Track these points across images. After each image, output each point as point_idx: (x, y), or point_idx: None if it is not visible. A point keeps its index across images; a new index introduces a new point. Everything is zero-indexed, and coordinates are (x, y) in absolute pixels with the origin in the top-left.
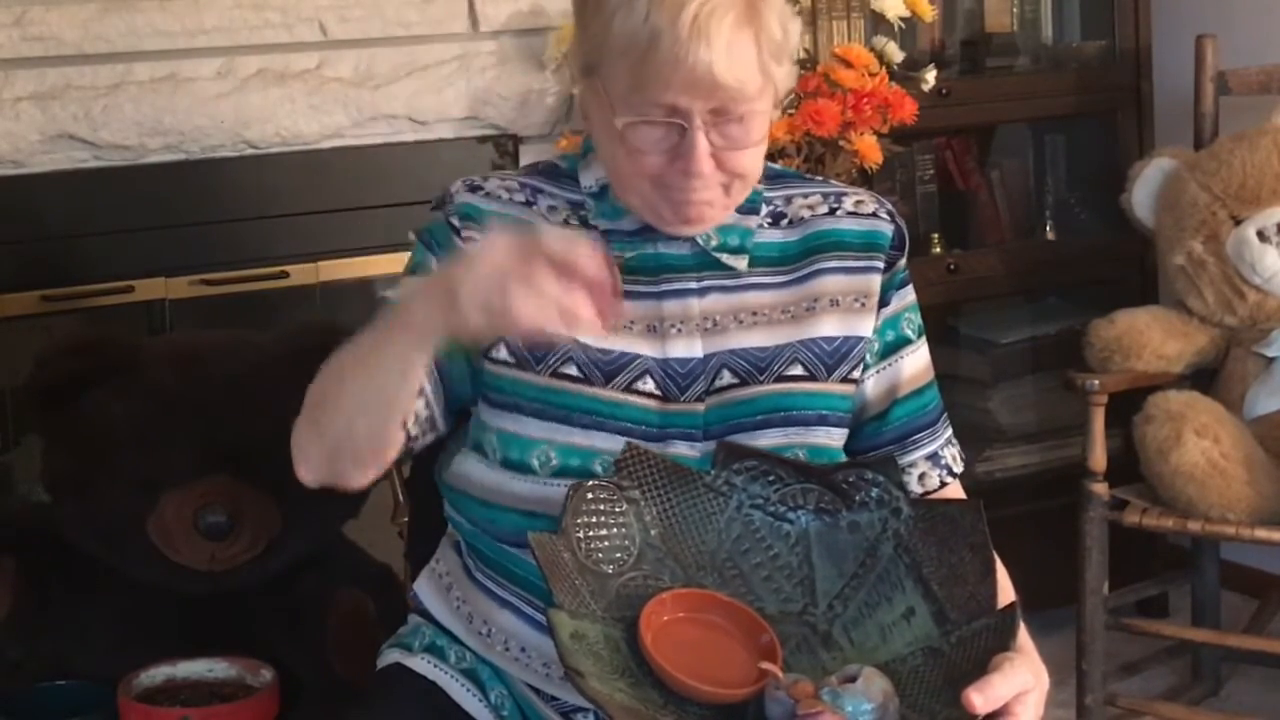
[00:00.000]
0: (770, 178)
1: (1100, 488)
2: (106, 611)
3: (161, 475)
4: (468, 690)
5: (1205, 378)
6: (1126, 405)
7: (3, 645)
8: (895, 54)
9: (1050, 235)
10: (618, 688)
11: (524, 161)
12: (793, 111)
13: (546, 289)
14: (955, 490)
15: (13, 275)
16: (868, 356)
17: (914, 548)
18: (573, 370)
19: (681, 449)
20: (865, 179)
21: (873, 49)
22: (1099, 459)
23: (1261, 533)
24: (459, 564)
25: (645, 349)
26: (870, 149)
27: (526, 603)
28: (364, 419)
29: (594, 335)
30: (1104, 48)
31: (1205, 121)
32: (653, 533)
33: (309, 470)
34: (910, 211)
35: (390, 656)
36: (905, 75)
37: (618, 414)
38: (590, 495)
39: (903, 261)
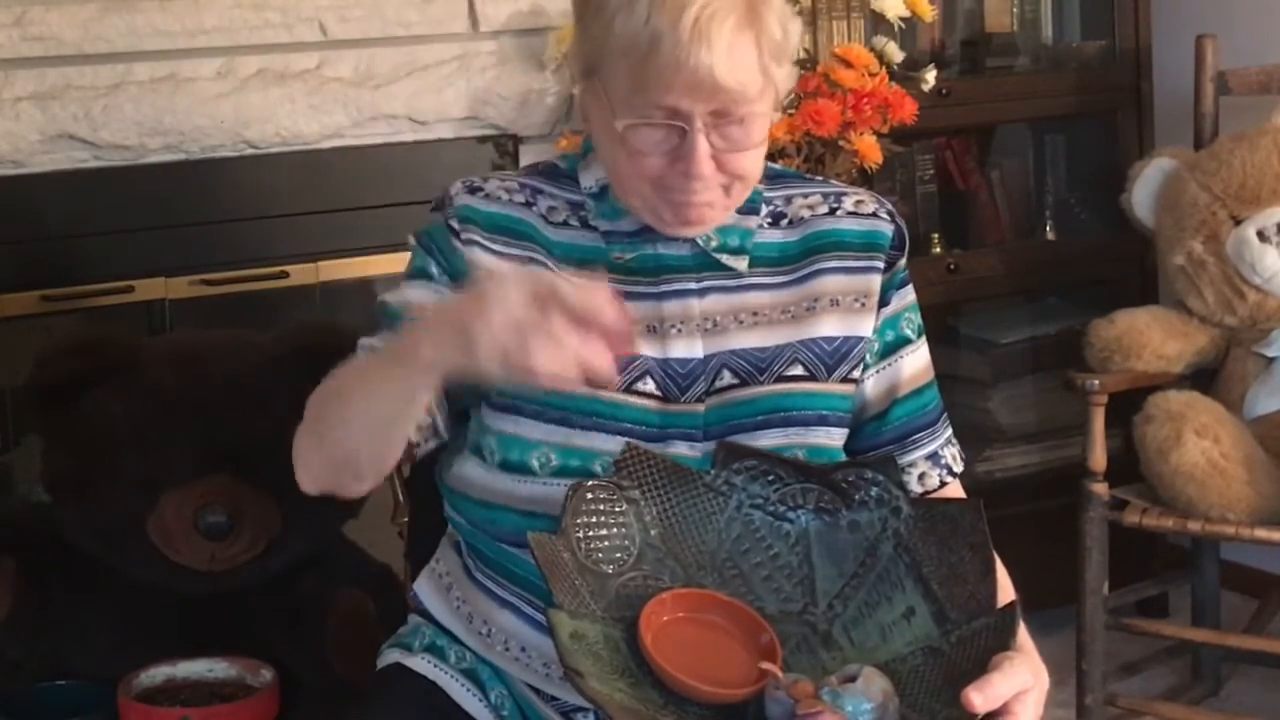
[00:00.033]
0: (770, 178)
1: (1100, 488)
2: (106, 611)
3: (161, 475)
4: (468, 690)
5: (1205, 378)
6: (1126, 405)
7: (3, 645)
8: (895, 54)
9: (1050, 235)
10: (617, 688)
11: (524, 162)
12: (793, 111)
13: (566, 342)
14: (955, 490)
15: (13, 275)
16: (868, 356)
17: (914, 547)
18: None
19: (682, 449)
20: (865, 179)
21: (873, 49)
22: (1099, 459)
23: (1261, 533)
24: (459, 564)
25: (645, 349)
26: (870, 149)
27: (526, 603)
28: (367, 440)
29: (609, 385)
30: (1104, 48)
31: (1205, 121)
32: (652, 533)
33: (309, 480)
34: (910, 211)
35: (390, 656)
36: (905, 75)
37: (618, 414)
38: (590, 495)
39: (903, 261)
